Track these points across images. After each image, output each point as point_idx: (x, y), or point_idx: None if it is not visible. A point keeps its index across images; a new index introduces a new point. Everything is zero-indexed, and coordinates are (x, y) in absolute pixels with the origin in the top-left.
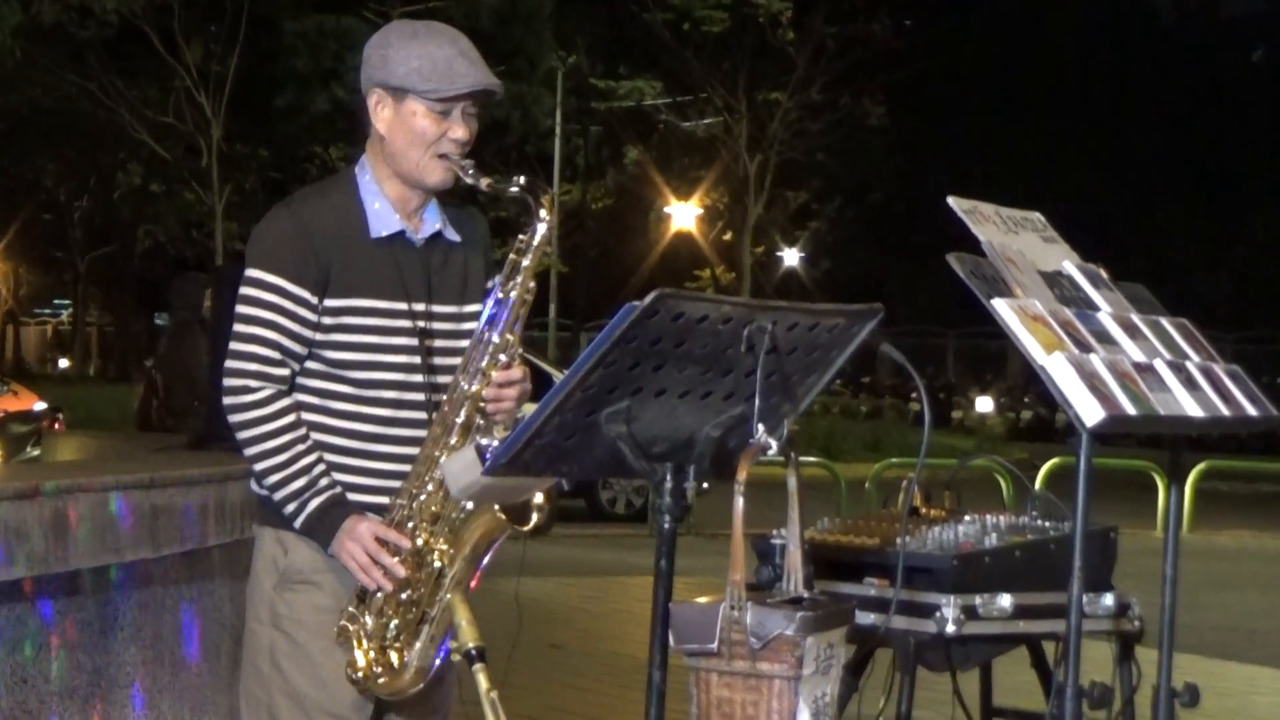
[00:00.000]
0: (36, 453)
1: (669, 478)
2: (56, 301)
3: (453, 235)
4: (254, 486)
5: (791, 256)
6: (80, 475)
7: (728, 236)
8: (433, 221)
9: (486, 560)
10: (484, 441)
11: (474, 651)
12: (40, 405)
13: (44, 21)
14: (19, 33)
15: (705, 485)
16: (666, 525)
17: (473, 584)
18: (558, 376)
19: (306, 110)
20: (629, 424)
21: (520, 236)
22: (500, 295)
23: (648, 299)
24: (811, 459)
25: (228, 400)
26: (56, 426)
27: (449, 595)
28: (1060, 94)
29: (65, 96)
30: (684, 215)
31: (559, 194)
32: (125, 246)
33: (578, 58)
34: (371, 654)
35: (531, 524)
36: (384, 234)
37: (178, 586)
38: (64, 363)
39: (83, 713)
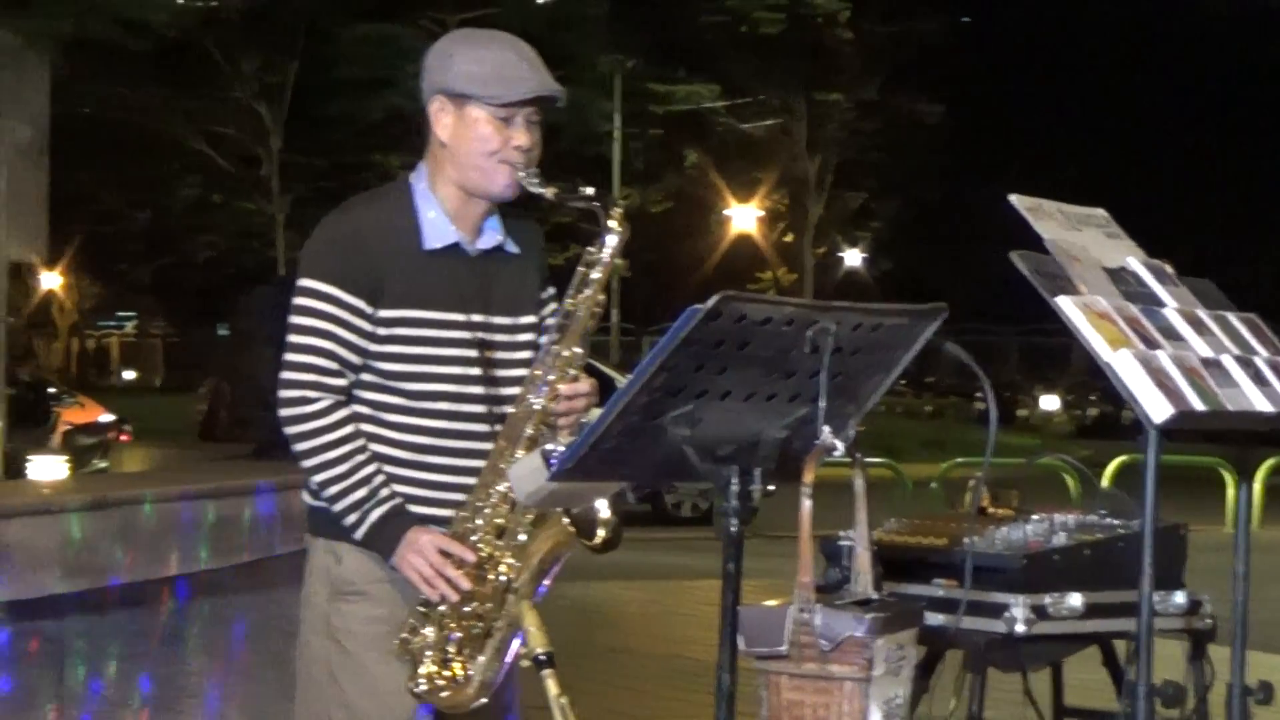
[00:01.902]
0: (104, 464)
1: (734, 480)
2: (120, 313)
3: (512, 248)
4: (306, 497)
5: (853, 257)
6: (146, 486)
7: (788, 238)
8: (493, 234)
9: (553, 574)
10: (549, 447)
11: (542, 657)
12: (107, 417)
13: (95, 37)
14: (76, 46)
15: (771, 488)
16: (733, 528)
17: (540, 595)
18: (621, 381)
19: (362, 118)
20: (693, 427)
21: (589, 248)
22: (569, 307)
23: (710, 301)
24: (875, 459)
25: (285, 411)
26: (123, 438)
27: (515, 605)
28: (1115, 87)
29: (123, 108)
30: (744, 217)
31: (618, 198)
32: (186, 257)
33: (634, 61)
34: (434, 667)
35: (599, 539)
36: (438, 245)
37: (243, 596)
38: (129, 374)
39: None
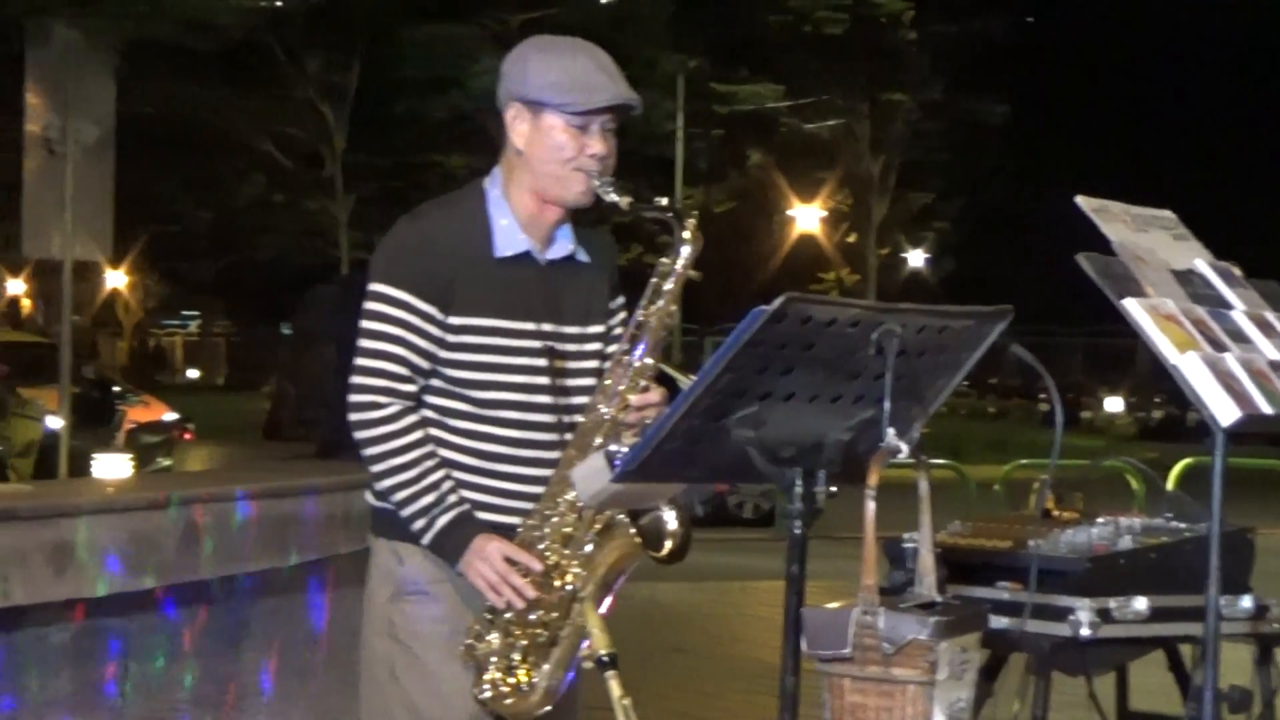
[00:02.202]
0: (168, 463)
1: (799, 482)
2: (184, 313)
3: (583, 256)
4: (369, 497)
5: (916, 257)
6: (210, 485)
7: (851, 238)
8: (565, 243)
9: (618, 586)
10: (613, 448)
11: (605, 658)
12: (170, 415)
13: (159, 38)
14: (140, 47)
15: (834, 489)
16: (797, 530)
17: (605, 607)
18: (684, 381)
19: (425, 118)
20: (757, 428)
21: (662, 259)
22: (641, 318)
23: (775, 303)
24: (939, 460)
25: (354, 416)
26: (186, 436)
27: (593, 601)
28: (1180, 87)
29: (187, 108)
30: (807, 217)
31: (681, 198)
32: (249, 257)
33: (698, 61)
34: (498, 674)
35: (665, 550)
36: (509, 253)
37: (306, 594)
38: (192, 373)
39: None
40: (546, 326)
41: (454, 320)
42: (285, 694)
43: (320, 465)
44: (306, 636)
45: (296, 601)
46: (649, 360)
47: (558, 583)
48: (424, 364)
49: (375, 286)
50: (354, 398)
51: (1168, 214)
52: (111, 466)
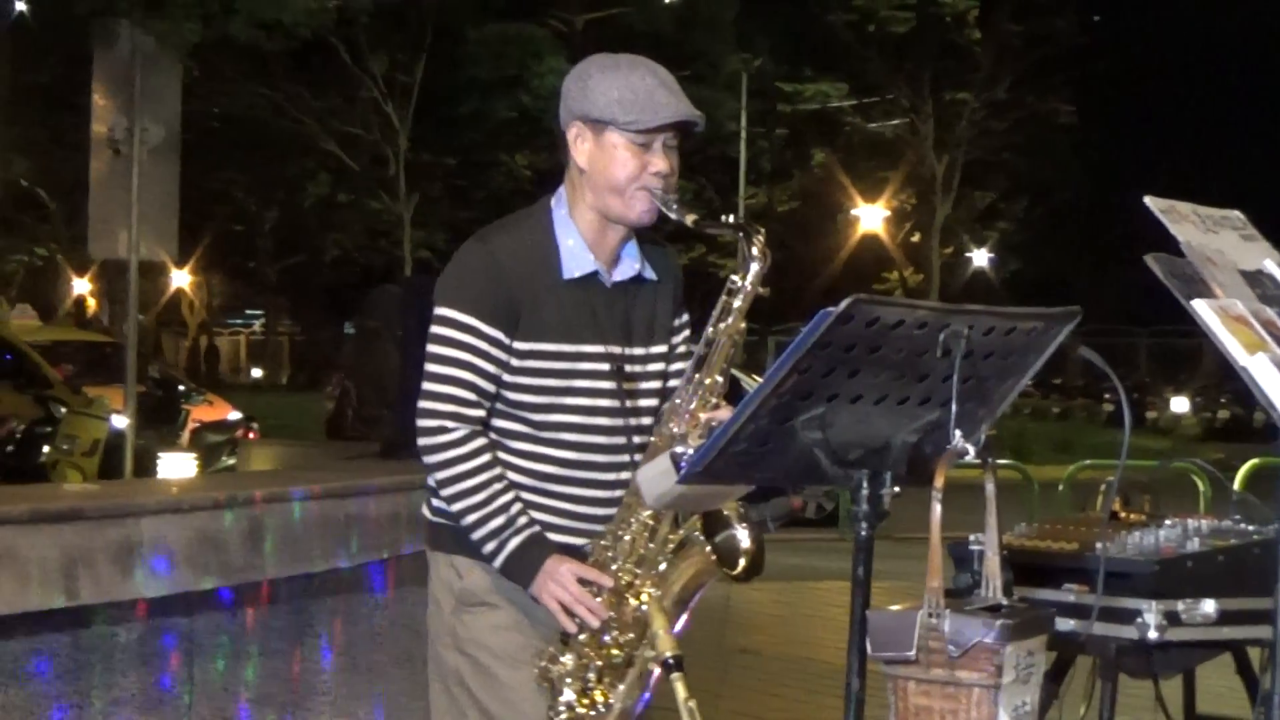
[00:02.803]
0: (232, 461)
1: (865, 484)
2: (248, 312)
3: (650, 274)
4: (425, 512)
5: (980, 257)
6: (275, 485)
7: (915, 238)
8: (631, 262)
9: (693, 604)
10: (678, 450)
11: (671, 660)
12: (234, 415)
13: (236, 39)
14: (201, 49)
15: (897, 489)
16: (863, 532)
17: (680, 625)
18: (748, 382)
19: (490, 117)
20: (824, 430)
21: (733, 277)
22: (710, 335)
23: (842, 305)
24: (1003, 461)
25: (423, 441)
26: (250, 436)
27: (662, 601)
28: (1254, 86)
29: (253, 107)
30: (871, 217)
31: (744, 198)
32: (313, 256)
33: (762, 61)
34: (573, 695)
35: (740, 568)
36: (576, 275)
37: (371, 594)
38: (256, 372)
39: None
40: (615, 349)
41: (520, 345)
42: (348, 693)
43: (383, 465)
44: (369, 635)
45: (359, 600)
46: (719, 378)
47: (632, 603)
48: (491, 388)
49: (442, 310)
50: (422, 422)
51: (1236, 214)
52: (176, 466)
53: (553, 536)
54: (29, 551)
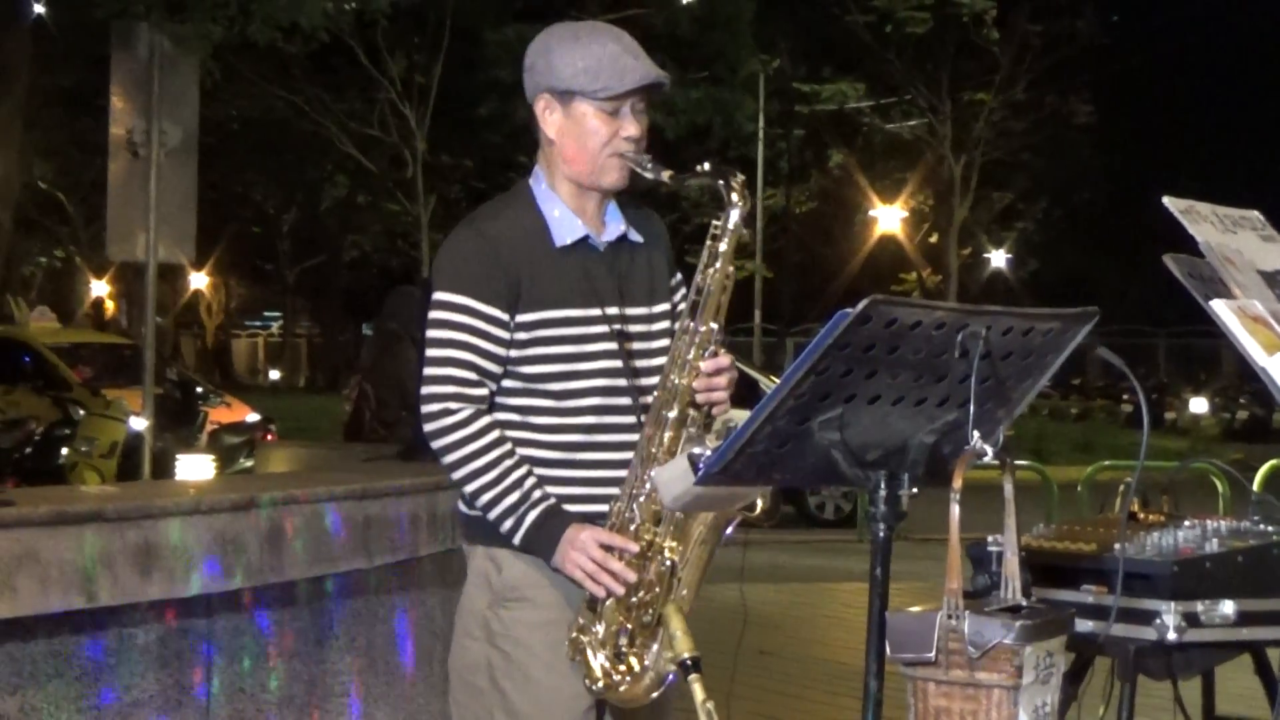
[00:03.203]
0: (250, 463)
1: (883, 485)
2: (266, 314)
3: (635, 236)
4: (460, 505)
5: (998, 258)
6: (294, 487)
7: (933, 239)
8: (616, 224)
9: (726, 535)
10: (696, 451)
11: (689, 661)
12: (253, 417)
13: (257, 42)
14: (219, 51)
15: (916, 490)
16: (881, 533)
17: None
18: (764, 382)
19: (509, 119)
20: (842, 431)
21: (714, 223)
22: (699, 282)
23: (860, 306)
24: (1022, 462)
25: (428, 426)
26: (269, 437)
27: (683, 590)
28: (1274, 85)
29: (271, 110)
30: (889, 218)
31: (763, 198)
32: (332, 258)
33: (780, 61)
34: (607, 662)
35: (760, 509)
36: (569, 241)
37: (391, 596)
38: (274, 374)
39: None
40: (612, 310)
41: (524, 318)
42: (371, 695)
43: (403, 466)
44: (391, 637)
45: (381, 602)
46: (714, 325)
47: (655, 560)
48: (492, 367)
49: (438, 295)
50: (425, 407)
51: (1255, 215)
52: (195, 467)
53: (579, 508)
54: (49, 554)
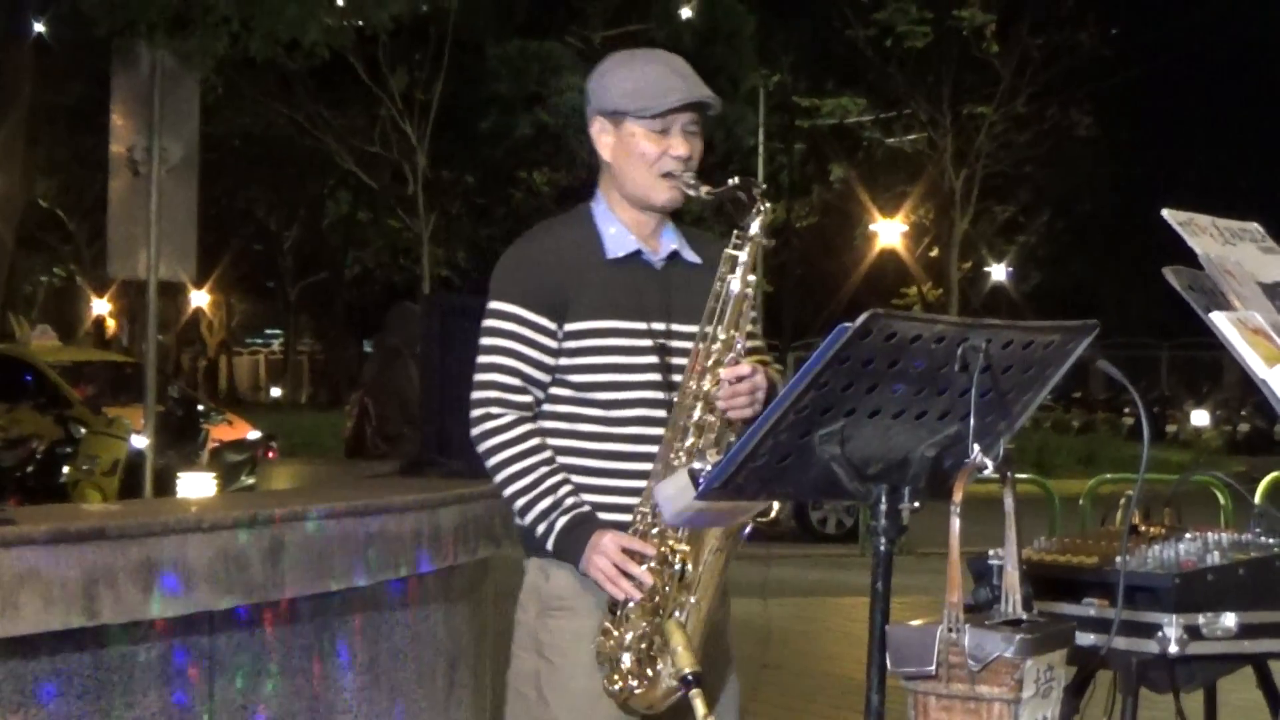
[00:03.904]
0: (252, 480)
1: (884, 499)
2: (268, 331)
3: (692, 256)
4: (518, 517)
5: (999, 271)
6: (295, 503)
7: (934, 252)
8: (669, 242)
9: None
10: (697, 465)
11: (690, 677)
12: (254, 434)
13: (257, 58)
14: (221, 68)
15: (917, 504)
16: (882, 547)
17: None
18: None
19: (510, 134)
20: (843, 445)
21: (735, 230)
22: (718, 289)
23: (860, 319)
24: (1024, 475)
25: (473, 431)
26: (270, 455)
27: (692, 598)
28: (1276, 96)
29: (273, 126)
30: (890, 232)
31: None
32: (334, 274)
33: (781, 75)
34: (625, 667)
35: (773, 514)
36: (620, 254)
37: (393, 613)
38: (276, 391)
39: None
40: (658, 325)
41: (571, 327)
42: (370, 710)
43: (403, 483)
44: (391, 653)
45: (380, 618)
46: (735, 333)
47: (671, 565)
48: (537, 374)
49: (490, 304)
50: (471, 412)
51: (1255, 226)
52: (196, 485)
53: (619, 517)
54: (51, 572)
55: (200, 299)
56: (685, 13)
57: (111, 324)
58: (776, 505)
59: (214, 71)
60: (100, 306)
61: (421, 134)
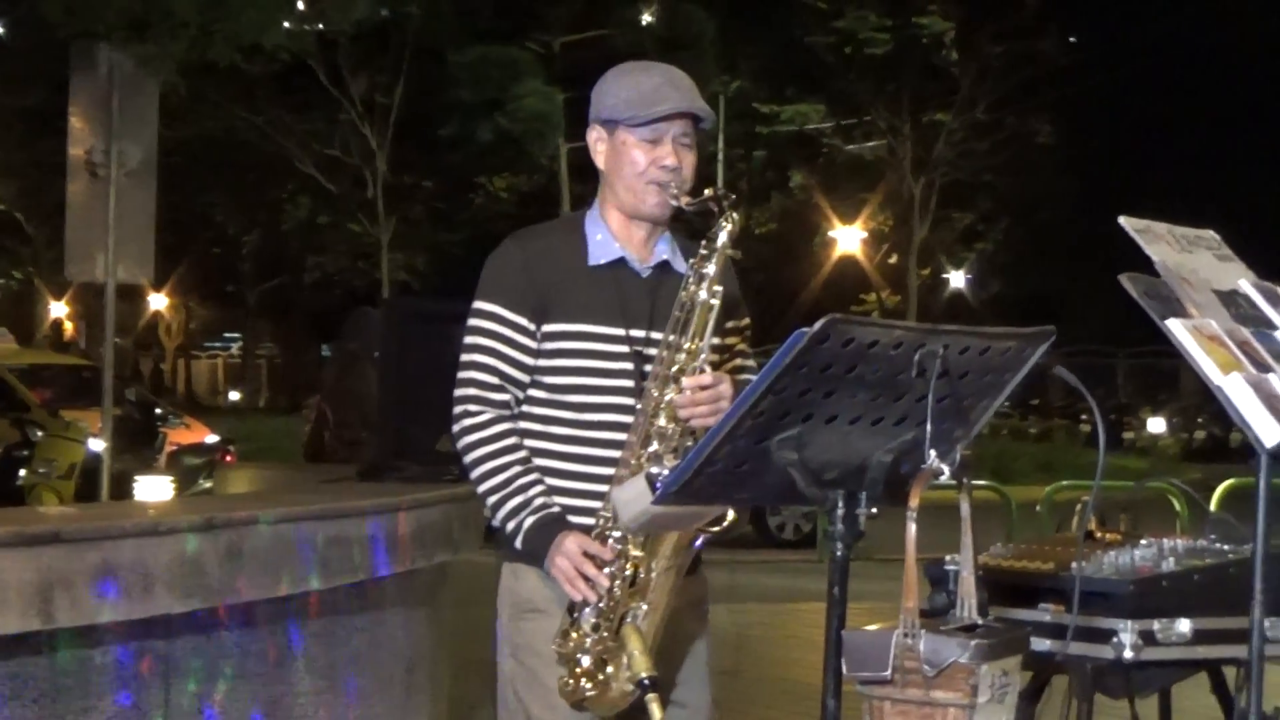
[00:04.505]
0: (209, 485)
1: (841, 504)
2: (227, 335)
3: (682, 266)
4: (490, 516)
5: (958, 279)
6: (253, 507)
7: (893, 259)
8: (662, 252)
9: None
10: (654, 470)
11: (646, 681)
12: (212, 438)
13: (218, 62)
14: (182, 72)
15: (875, 511)
16: (839, 552)
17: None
18: None
19: (471, 140)
20: (800, 450)
21: (703, 241)
22: (683, 299)
23: (818, 325)
24: (982, 482)
25: (453, 426)
26: (228, 459)
27: (643, 607)
28: (1233, 105)
29: (234, 130)
30: (849, 239)
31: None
32: (294, 279)
33: (742, 82)
34: (580, 668)
35: (726, 523)
36: (603, 261)
37: (351, 617)
38: (234, 395)
39: None
40: (637, 332)
41: (549, 328)
42: (327, 717)
43: (363, 487)
44: (348, 658)
45: (340, 624)
46: (699, 342)
47: (630, 571)
48: (516, 373)
49: (474, 303)
50: (453, 409)
51: (1211, 234)
52: (153, 489)
53: (590, 520)
54: (8, 575)
55: (159, 302)
56: (647, 19)
57: (70, 327)
58: (731, 515)
59: (174, 75)
60: (58, 310)
61: (382, 139)
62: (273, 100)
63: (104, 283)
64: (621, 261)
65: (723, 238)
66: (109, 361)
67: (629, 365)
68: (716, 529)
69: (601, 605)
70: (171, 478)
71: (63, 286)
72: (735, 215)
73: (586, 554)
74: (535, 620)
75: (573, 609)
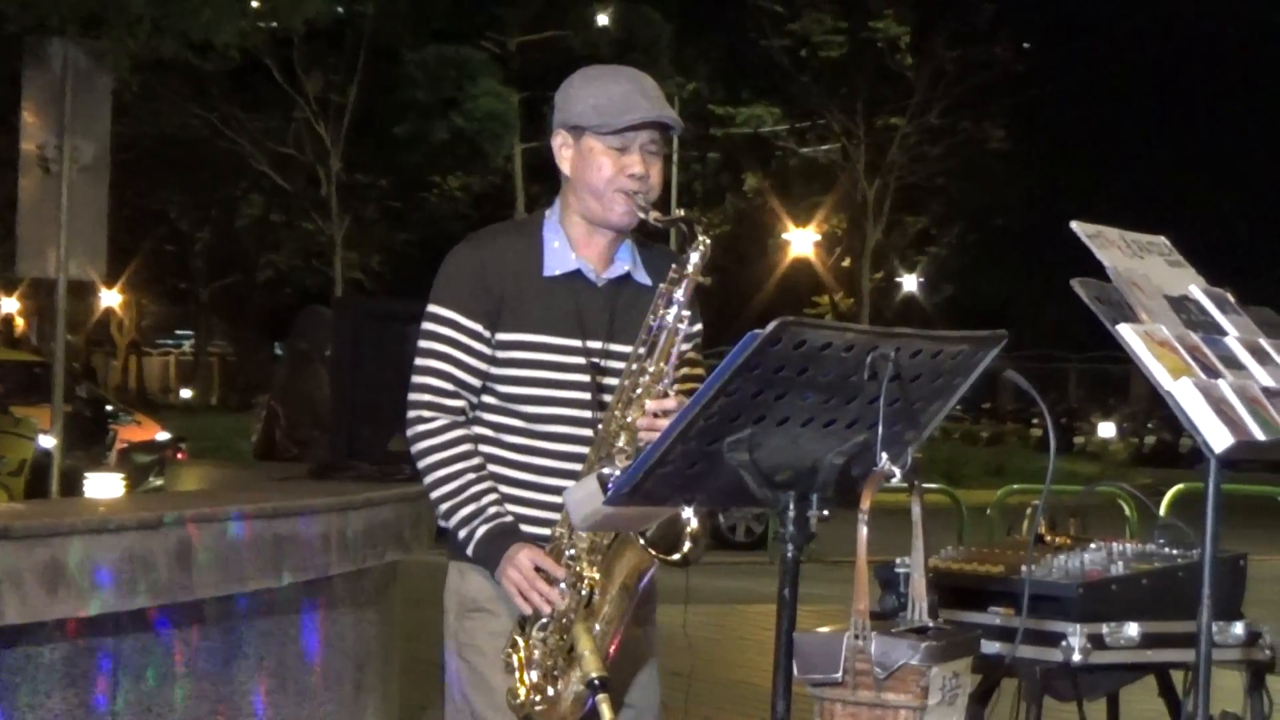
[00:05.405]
0: (160, 482)
1: (792, 506)
2: (179, 332)
3: (643, 278)
4: (439, 519)
5: (910, 282)
6: (203, 505)
7: (846, 262)
8: (623, 263)
9: (645, 586)
10: (606, 471)
11: (596, 681)
12: (163, 435)
13: (163, 55)
14: (138, 67)
15: (826, 513)
16: (790, 554)
17: (612, 648)
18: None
19: (426, 139)
20: (752, 452)
21: (674, 265)
22: (650, 322)
23: (770, 327)
24: (933, 485)
25: (407, 431)
26: (179, 456)
27: (587, 624)
28: (1185, 114)
29: (187, 127)
30: (802, 241)
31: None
32: (247, 277)
33: (697, 84)
34: (529, 682)
35: (681, 553)
36: (557, 272)
37: (301, 615)
38: (186, 392)
39: None
40: (594, 344)
41: (502, 337)
42: (280, 715)
43: (314, 485)
44: (301, 657)
45: (290, 622)
46: (664, 365)
47: (584, 591)
48: (471, 379)
49: (428, 307)
50: (407, 413)
51: (1162, 240)
52: (104, 486)
53: (542, 530)
54: None
55: (111, 299)
56: (602, 20)
57: (20, 323)
58: (688, 545)
59: (128, 71)
60: (9, 305)
61: (336, 137)
62: (227, 97)
63: (55, 279)
64: (577, 274)
65: (695, 260)
66: (59, 357)
67: (584, 377)
68: (675, 558)
69: (550, 622)
70: (122, 475)
71: (14, 282)
72: (707, 240)
73: (539, 569)
74: (481, 620)
75: (523, 621)
